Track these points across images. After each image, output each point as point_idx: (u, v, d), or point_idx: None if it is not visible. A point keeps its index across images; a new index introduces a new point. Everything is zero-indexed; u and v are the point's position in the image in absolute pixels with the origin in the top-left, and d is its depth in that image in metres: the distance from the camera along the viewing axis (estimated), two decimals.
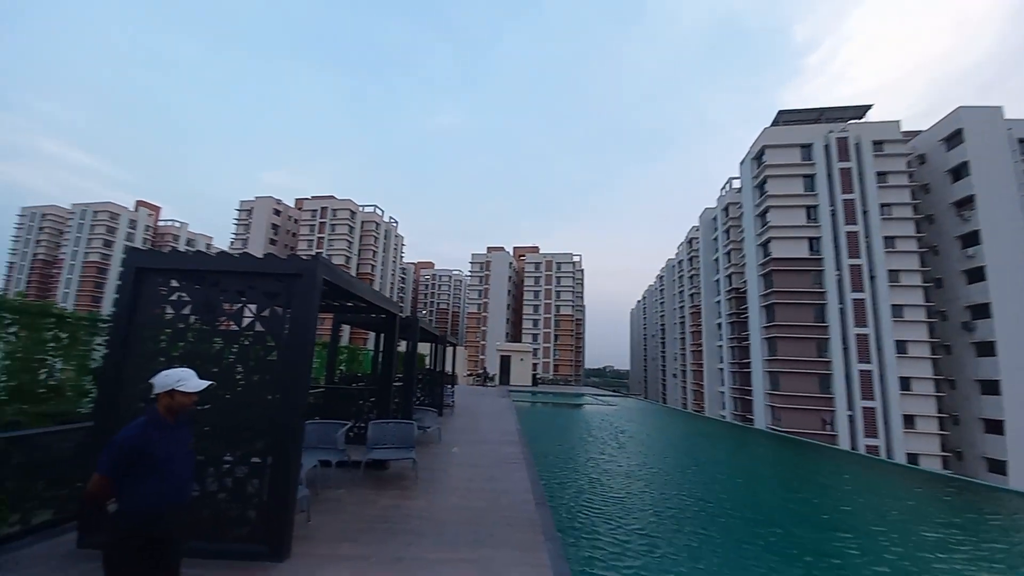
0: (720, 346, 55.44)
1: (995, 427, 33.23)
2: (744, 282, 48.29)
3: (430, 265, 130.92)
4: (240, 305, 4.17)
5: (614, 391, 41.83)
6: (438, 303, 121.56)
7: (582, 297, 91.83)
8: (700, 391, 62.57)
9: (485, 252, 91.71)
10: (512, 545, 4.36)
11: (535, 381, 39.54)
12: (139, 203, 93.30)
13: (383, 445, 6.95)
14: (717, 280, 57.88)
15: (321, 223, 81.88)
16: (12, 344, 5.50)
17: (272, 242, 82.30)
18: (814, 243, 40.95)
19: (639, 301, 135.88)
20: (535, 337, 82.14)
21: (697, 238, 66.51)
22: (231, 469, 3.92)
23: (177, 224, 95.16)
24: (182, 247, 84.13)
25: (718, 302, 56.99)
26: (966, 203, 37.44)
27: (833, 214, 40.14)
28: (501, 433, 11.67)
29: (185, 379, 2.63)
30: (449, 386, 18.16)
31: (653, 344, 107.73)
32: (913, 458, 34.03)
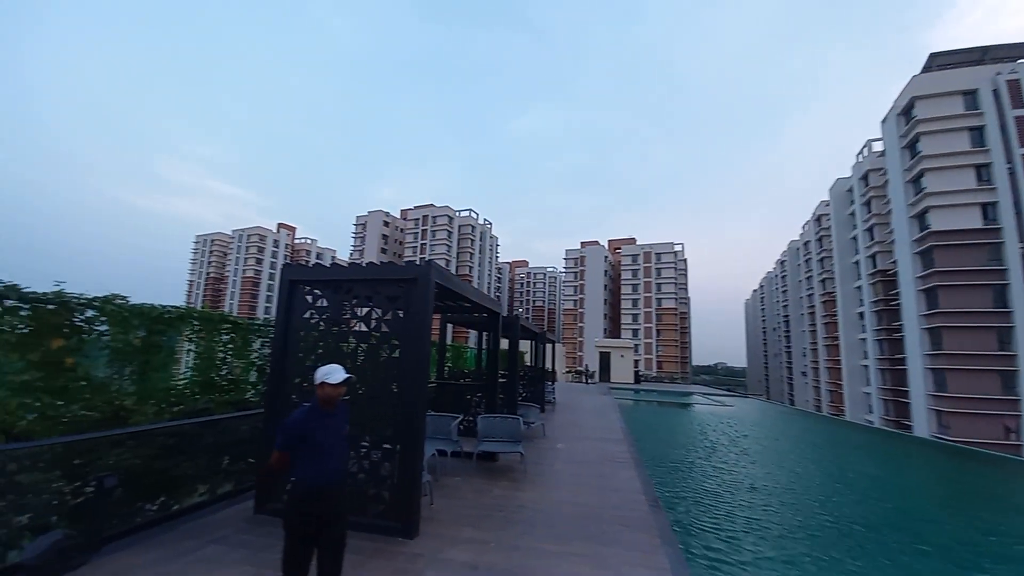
0: (863, 339, 47.53)
1: None
2: (893, 262, 40.69)
3: (524, 264, 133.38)
4: (368, 308, 4.69)
5: (729, 390, 38.34)
6: (533, 301, 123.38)
7: (686, 289, 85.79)
8: (838, 392, 54.35)
9: (579, 247, 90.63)
10: (626, 545, 4.25)
11: (637, 378, 38.01)
12: (280, 225, 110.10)
13: (492, 438, 7.27)
14: (856, 262, 49.70)
15: (423, 230, 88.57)
16: (200, 346, 6.90)
17: (383, 251, 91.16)
18: (989, 210, 33.02)
19: (755, 291, 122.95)
20: (635, 332, 78.96)
21: (827, 214, 57.82)
22: (368, 453, 4.44)
23: (309, 241, 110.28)
24: (313, 260, 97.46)
25: (859, 287, 48.92)
26: None
27: (1012, 173, 31.88)
28: (605, 431, 11.45)
29: (330, 373, 3.00)
30: (549, 383, 18.35)
31: (775, 338, 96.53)
32: None
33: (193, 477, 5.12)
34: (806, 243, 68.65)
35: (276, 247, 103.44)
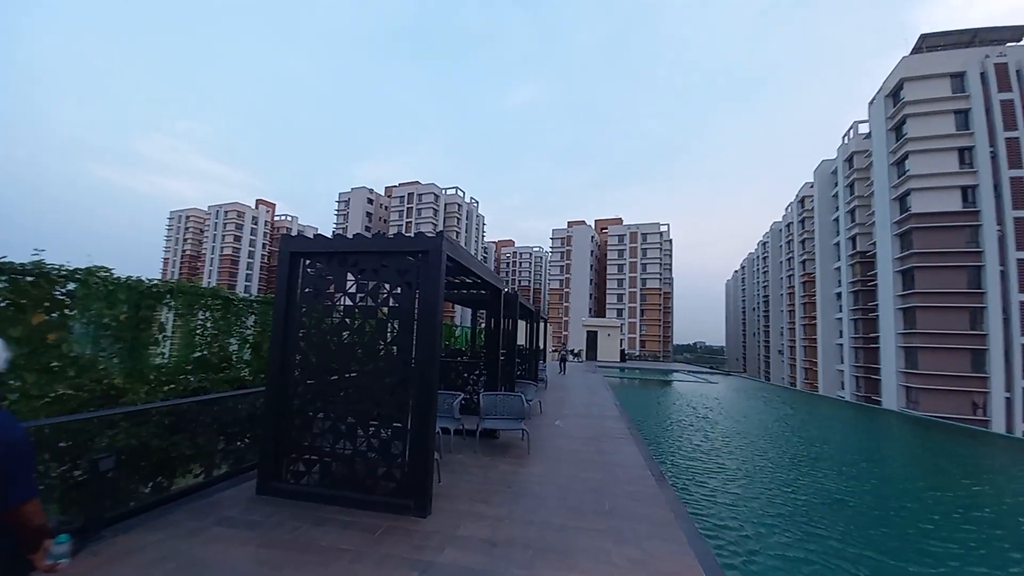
0: (839, 319, 49.04)
1: None
2: (872, 244, 41.71)
3: (511, 243, 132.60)
4: (375, 282, 4.47)
5: (711, 368, 39.29)
6: (519, 280, 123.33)
7: (670, 269, 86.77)
8: (812, 369, 56.32)
9: (566, 227, 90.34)
10: (641, 518, 4.26)
11: (623, 357, 38.63)
12: (259, 201, 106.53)
13: (494, 415, 7.23)
14: (837, 243, 50.72)
15: (409, 208, 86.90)
16: (190, 322, 6.59)
17: (367, 228, 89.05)
18: (969, 193, 33.77)
19: (736, 271, 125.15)
20: (620, 312, 79.91)
21: (811, 196, 58.58)
22: (377, 431, 4.30)
23: (289, 218, 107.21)
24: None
25: (837, 268, 50.10)
26: None
27: (994, 157, 32.55)
28: (599, 407, 11.57)
29: None
30: (541, 361, 18.44)
31: (754, 318, 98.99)
32: None
33: (190, 457, 4.92)
34: (788, 224, 69.71)
35: (255, 224, 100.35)
